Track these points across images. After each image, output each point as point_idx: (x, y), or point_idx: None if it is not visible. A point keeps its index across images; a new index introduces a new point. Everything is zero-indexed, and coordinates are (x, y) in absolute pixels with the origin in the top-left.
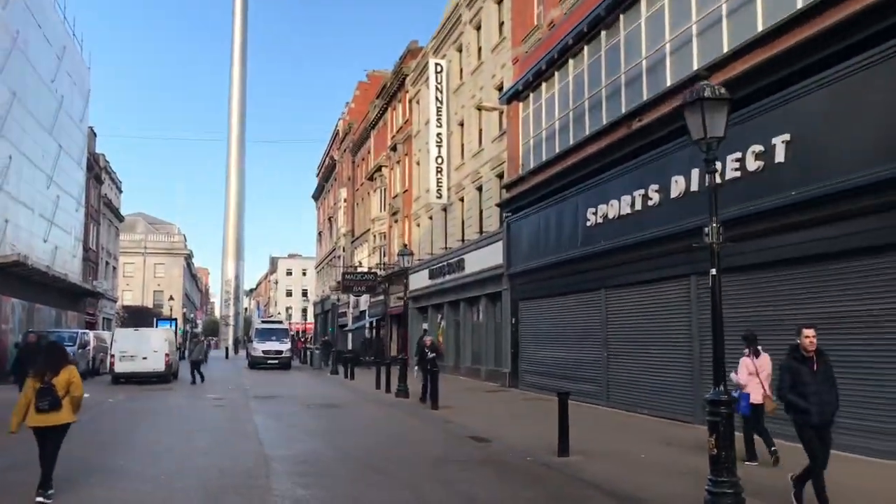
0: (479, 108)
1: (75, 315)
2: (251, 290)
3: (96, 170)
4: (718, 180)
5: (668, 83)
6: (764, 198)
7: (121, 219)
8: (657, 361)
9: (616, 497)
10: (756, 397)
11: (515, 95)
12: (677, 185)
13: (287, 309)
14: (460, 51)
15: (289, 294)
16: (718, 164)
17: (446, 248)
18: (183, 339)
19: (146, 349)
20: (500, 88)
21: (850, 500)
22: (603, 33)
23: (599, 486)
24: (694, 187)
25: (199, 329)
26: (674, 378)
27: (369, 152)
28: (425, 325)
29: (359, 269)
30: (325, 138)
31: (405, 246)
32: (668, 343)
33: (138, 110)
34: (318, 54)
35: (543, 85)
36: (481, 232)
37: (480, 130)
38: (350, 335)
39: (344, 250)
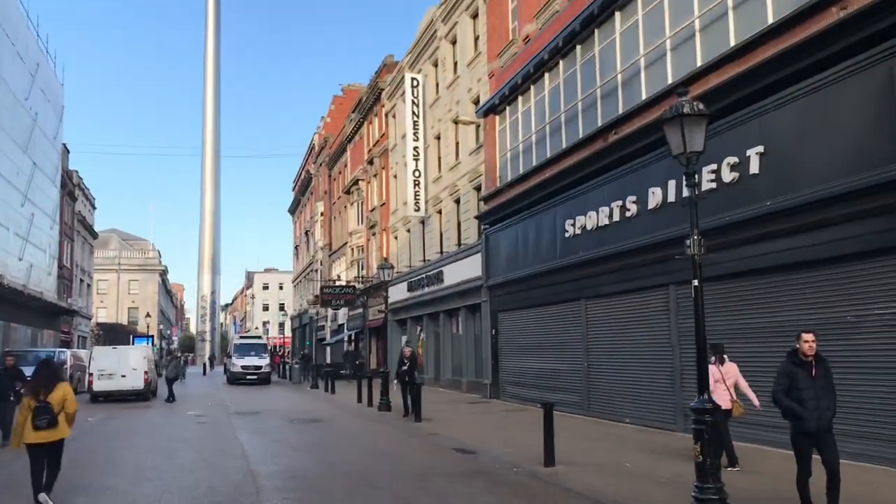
0: (456, 122)
1: (51, 333)
2: (227, 305)
3: (70, 186)
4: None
5: (644, 96)
6: (739, 208)
7: (95, 235)
8: (638, 371)
9: None
10: (722, 402)
11: (492, 109)
12: (654, 197)
13: (264, 323)
14: (436, 65)
15: (265, 308)
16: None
17: (425, 260)
18: (159, 355)
19: (125, 367)
20: (476, 102)
21: None
22: (578, 48)
23: (587, 495)
24: (671, 198)
25: (176, 346)
26: (655, 387)
27: (346, 166)
28: (405, 338)
29: (337, 283)
30: (300, 152)
31: (385, 259)
32: (648, 352)
33: (111, 125)
34: (292, 69)
35: (520, 98)
36: (460, 244)
37: (457, 143)
38: (328, 349)
39: (321, 264)
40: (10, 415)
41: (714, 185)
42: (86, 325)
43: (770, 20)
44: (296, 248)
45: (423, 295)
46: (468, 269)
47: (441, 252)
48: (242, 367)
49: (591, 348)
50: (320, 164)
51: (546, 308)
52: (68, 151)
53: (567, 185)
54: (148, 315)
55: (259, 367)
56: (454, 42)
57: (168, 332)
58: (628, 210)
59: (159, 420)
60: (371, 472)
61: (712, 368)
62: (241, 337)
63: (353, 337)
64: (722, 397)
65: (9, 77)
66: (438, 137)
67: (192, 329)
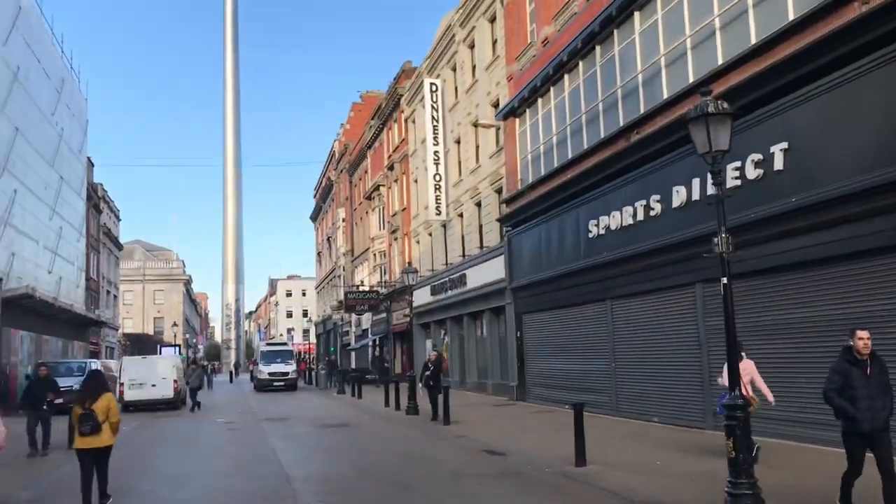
0: (476, 126)
1: (81, 345)
2: (251, 313)
3: (95, 199)
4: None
5: (665, 95)
6: (764, 205)
7: (120, 247)
8: (666, 370)
9: (638, 503)
10: None
11: (512, 112)
12: (678, 195)
13: (289, 330)
14: (455, 69)
15: (289, 315)
16: None
17: (447, 264)
18: (185, 364)
19: (155, 376)
20: (496, 105)
21: None
22: (597, 49)
23: (619, 493)
24: (695, 196)
25: (201, 354)
26: (683, 386)
27: (366, 172)
28: (430, 342)
29: (360, 288)
30: (321, 160)
31: (409, 264)
32: (675, 351)
33: (133, 138)
34: (311, 77)
35: (539, 101)
36: (482, 247)
37: (477, 147)
38: (353, 354)
39: (344, 269)
40: (47, 423)
41: (738, 181)
42: (113, 336)
43: (791, 16)
44: (318, 254)
45: (446, 298)
46: (491, 272)
47: (463, 255)
48: (269, 373)
49: (618, 348)
50: (341, 171)
51: (571, 309)
52: (93, 165)
53: (590, 186)
54: (175, 324)
55: (286, 374)
56: (472, 46)
57: (193, 340)
58: (652, 209)
59: (190, 427)
60: (403, 474)
61: None
62: (268, 344)
63: (377, 342)
64: None
65: (36, 94)
66: (458, 141)
67: (218, 337)
